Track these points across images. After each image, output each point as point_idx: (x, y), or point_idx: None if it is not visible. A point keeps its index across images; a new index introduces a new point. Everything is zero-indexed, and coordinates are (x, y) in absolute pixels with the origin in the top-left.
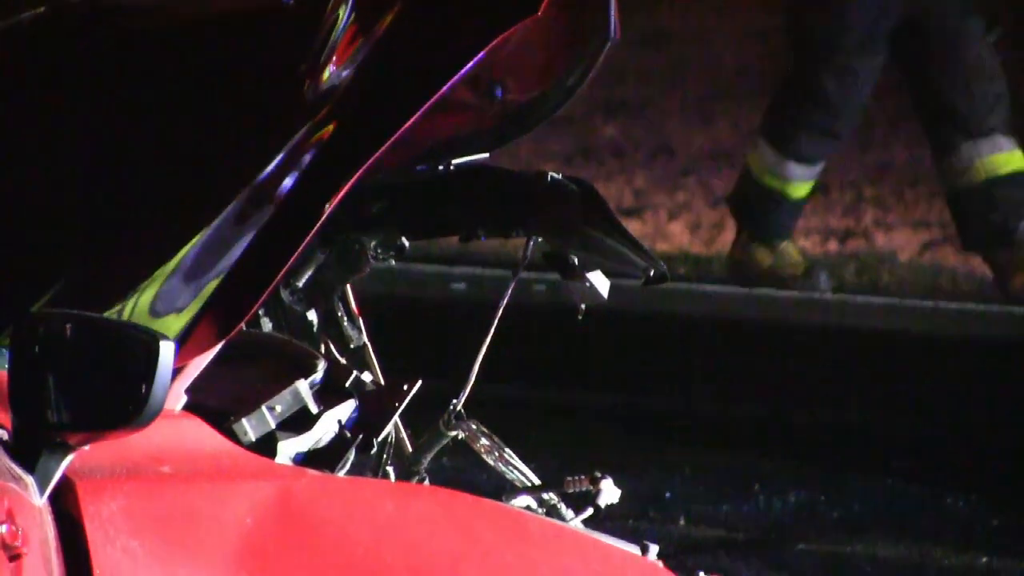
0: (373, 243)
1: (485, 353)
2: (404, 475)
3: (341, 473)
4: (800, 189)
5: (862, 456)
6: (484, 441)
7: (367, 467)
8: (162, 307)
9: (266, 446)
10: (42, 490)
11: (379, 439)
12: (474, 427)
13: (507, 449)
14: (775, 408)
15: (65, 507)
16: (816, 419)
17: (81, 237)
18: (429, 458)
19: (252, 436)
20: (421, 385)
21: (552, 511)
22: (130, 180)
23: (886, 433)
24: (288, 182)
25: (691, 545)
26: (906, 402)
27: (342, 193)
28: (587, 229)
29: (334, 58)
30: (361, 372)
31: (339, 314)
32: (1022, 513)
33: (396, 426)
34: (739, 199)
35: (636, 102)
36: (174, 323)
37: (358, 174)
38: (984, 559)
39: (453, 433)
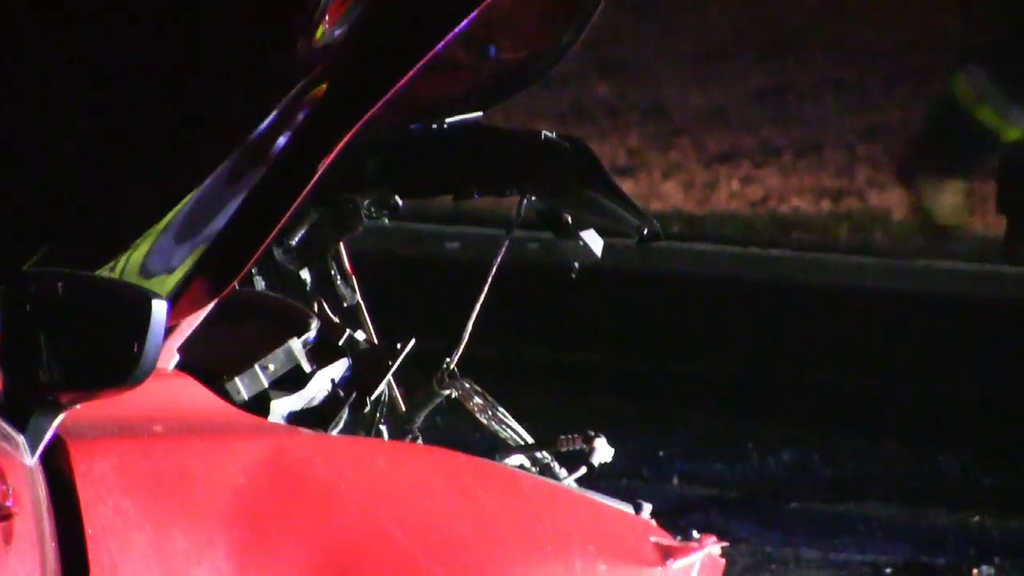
0: (367, 202)
1: (478, 312)
2: (397, 434)
3: (334, 432)
4: (1015, 134)
5: (855, 415)
6: (477, 400)
7: (360, 426)
8: (155, 266)
9: (259, 405)
10: (33, 449)
11: (372, 398)
12: (467, 386)
13: (500, 408)
14: (769, 367)
15: (57, 466)
16: (810, 378)
17: (73, 196)
18: (422, 417)
19: (245, 395)
20: (414, 344)
21: (545, 470)
22: (122, 138)
23: (879, 392)
24: (282, 140)
25: (684, 504)
26: (899, 361)
27: (335, 152)
28: (581, 188)
29: (327, 16)
30: (354, 331)
31: (332, 273)
32: (1014, 472)
33: (389, 385)
34: (937, 130)
35: (630, 61)
36: (166, 282)
37: (351, 133)
38: (976, 518)
39: (446, 392)
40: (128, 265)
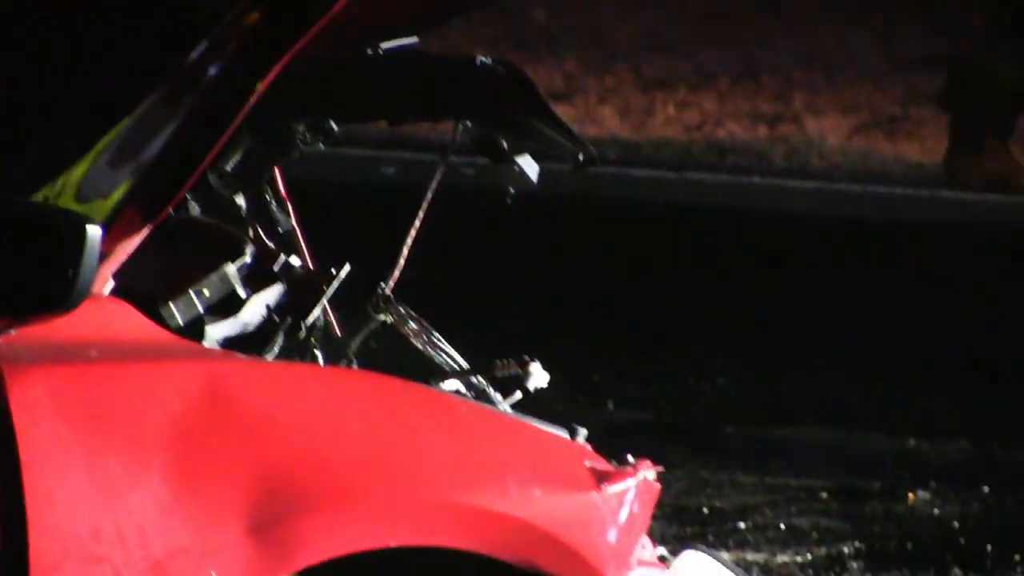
0: (302, 128)
1: (414, 237)
2: (332, 359)
3: (269, 357)
4: None
5: (790, 340)
6: (412, 325)
7: (295, 351)
8: (90, 191)
9: (194, 330)
10: None
11: (307, 323)
12: (402, 311)
13: (435, 333)
14: (704, 292)
15: None
16: (746, 302)
17: (6, 120)
18: (357, 342)
19: (180, 320)
20: (349, 269)
21: (481, 395)
22: (57, 64)
23: (815, 317)
24: (216, 68)
25: (619, 429)
26: (835, 286)
27: (271, 77)
28: (517, 113)
29: None
30: (289, 256)
31: (267, 198)
32: (949, 395)
33: (324, 310)
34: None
35: None
36: (102, 207)
37: (286, 59)
38: (912, 442)
39: (381, 317)
40: (63, 191)
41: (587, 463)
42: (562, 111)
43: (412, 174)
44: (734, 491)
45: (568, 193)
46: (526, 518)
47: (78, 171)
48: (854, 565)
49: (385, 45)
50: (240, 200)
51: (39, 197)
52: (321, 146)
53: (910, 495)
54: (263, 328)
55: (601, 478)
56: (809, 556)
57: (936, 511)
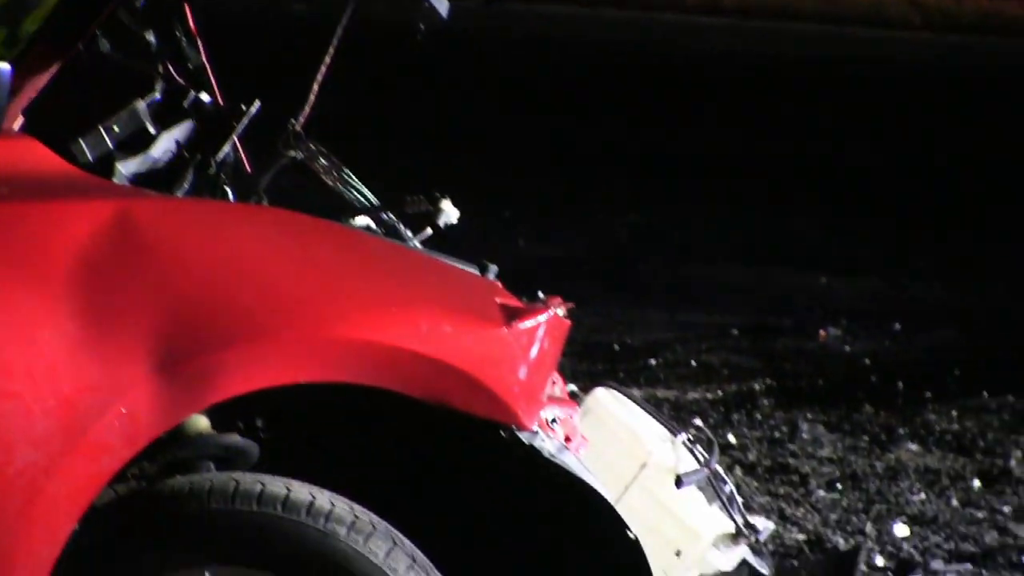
0: None
1: (324, 73)
2: (243, 196)
3: (179, 193)
4: None
5: (704, 178)
6: (322, 161)
7: (205, 187)
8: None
9: (104, 167)
10: None
11: (218, 159)
12: (312, 147)
13: (346, 169)
14: (616, 128)
15: None
16: (657, 139)
17: None
18: (267, 178)
19: (90, 156)
20: (260, 106)
21: (391, 231)
22: None
23: (727, 154)
24: None
25: (530, 266)
26: (747, 122)
27: None
28: None
29: None
30: (199, 92)
31: (177, 34)
32: (857, 235)
33: (234, 146)
34: None
35: None
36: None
37: None
38: (823, 279)
39: (292, 154)
40: None
41: (498, 299)
42: None
43: (322, 9)
44: (645, 328)
45: (478, 28)
46: (436, 355)
47: None
48: (765, 402)
49: None
50: (150, 36)
51: None
52: None
53: (821, 332)
54: (173, 164)
55: (512, 314)
56: (720, 393)
57: (847, 348)
